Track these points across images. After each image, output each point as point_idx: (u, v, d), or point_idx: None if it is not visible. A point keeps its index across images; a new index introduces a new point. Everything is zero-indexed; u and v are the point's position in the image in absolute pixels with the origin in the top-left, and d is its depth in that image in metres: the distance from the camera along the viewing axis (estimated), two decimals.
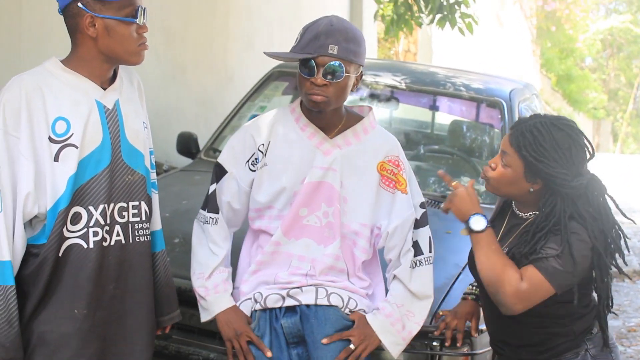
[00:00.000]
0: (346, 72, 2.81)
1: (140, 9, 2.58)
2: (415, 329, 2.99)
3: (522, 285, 2.71)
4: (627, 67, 33.34)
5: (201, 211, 3.08)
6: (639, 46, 31.78)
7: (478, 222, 2.84)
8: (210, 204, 3.04)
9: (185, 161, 5.53)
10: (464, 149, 5.11)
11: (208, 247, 3.02)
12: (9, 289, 2.46)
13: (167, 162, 6.77)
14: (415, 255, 2.99)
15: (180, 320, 3.03)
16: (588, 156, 2.84)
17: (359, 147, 2.97)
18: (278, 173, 2.96)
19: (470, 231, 2.86)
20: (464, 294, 3.22)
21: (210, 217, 3.04)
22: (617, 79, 34.23)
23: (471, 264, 2.96)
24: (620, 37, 31.64)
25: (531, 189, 2.83)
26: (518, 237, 2.87)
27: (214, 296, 2.98)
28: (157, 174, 3.95)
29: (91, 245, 2.57)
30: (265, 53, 2.95)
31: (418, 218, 3.02)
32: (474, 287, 3.20)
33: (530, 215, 2.89)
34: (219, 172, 3.04)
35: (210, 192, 3.05)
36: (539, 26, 26.51)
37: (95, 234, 2.58)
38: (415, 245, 3.00)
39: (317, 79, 2.79)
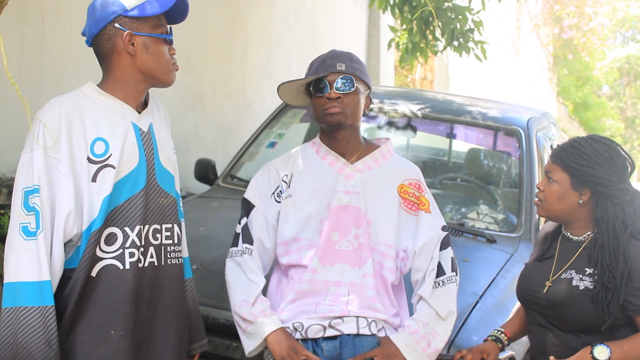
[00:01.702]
0: (358, 86, 2.97)
1: (170, 29, 2.68)
2: (440, 345, 3.01)
3: None
4: None
5: (233, 248, 3.09)
6: None
7: (602, 353, 2.87)
8: (244, 235, 3.07)
9: (203, 188, 5.56)
10: (482, 177, 5.12)
11: (246, 277, 3.02)
12: (48, 310, 2.44)
13: (184, 189, 6.80)
14: (437, 276, 3.02)
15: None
16: (629, 167, 2.96)
17: (379, 171, 3.06)
18: (303, 202, 3.02)
19: None
20: (487, 336, 3.22)
21: (246, 248, 3.06)
22: (634, 107, 34.07)
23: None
24: (638, 65, 31.55)
25: (580, 201, 2.94)
26: (582, 258, 2.95)
27: (262, 319, 2.96)
28: None
29: (127, 266, 2.59)
30: (279, 86, 3.05)
31: (441, 241, 3.06)
32: (498, 332, 3.21)
33: (586, 236, 2.98)
34: (247, 207, 3.10)
35: (242, 226, 3.09)
36: (556, 54, 26.49)
37: (132, 255, 2.60)
38: (438, 267, 3.03)
39: (331, 93, 2.95)
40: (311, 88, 3.01)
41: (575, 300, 2.90)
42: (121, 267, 2.58)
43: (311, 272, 2.98)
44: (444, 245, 3.06)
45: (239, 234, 3.08)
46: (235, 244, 3.09)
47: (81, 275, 2.53)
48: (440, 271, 3.03)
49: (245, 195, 3.12)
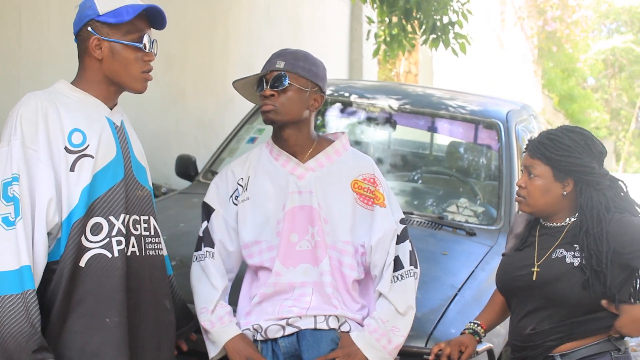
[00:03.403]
0: (293, 83, 2.96)
1: (147, 37, 2.70)
2: (401, 341, 3.02)
3: None
4: (629, 86, 33.33)
5: (196, 252, 3.12)
6: None
7: None
8: (205, 239, 3.10)
9: (185, 184, 5.55)
10: (462, 170, 5.12)
11: (208, 281, 3.05)
12: (28, 294, 2.45)
13: (166, 185, 6.78)
14: (395, 270, 3.02)
15: None
16: (604, 152, 3.01)
17: (331, 169, 3.07)
18: (259, 205, 3.06)
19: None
20: (464, 329, 3.23)
21: (207, 251, 3.09)
22: (619, 99, 34.21)
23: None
24: (622, 57, 31.68)
25: (564, 192, 2.97)
26: (567, 239, 2.98)
27: (220, 327, 3.00)
28: (156, 197, 3.97)
29: (116, 254, 2.62)
30: (233, 83, 3.09)
31: (399, 233, 3.06)
32: (474, 324, 3.21)
33: (567, 221, 3.01)
34: (207, 211, 3.13)
35: (203, 229, 3.12)
36: (540, 46, 26.56)
37: (119, 242, 2.63)
38: (396, 260, 3.03)
39: (265, 90, 2.96)
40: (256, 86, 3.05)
41: (570, 276, 2.92)
42: (110, 255, 2.61)
43: (275, 276, 3.01)
44: (401, 239, 3.06)
45: (201, 237, 3.12)
46: (198, 247, 3.12)
47: (67, 266, 2.55)
48: (398, 265, 3.03)
49: (205, 199, 3.15)
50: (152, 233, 2.79)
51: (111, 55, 2.65)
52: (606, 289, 2.87)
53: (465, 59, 7.51)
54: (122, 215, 2.64)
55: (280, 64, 2.98)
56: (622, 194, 3.00)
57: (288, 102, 2.97)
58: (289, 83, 2.96)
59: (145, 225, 2.75)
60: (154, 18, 2.73)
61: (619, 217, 2.92)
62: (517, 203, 3.12)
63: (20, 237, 2.46)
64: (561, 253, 2.97)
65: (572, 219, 3.01)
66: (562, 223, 3.03)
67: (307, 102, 3.02)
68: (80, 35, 2.67)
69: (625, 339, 3.01)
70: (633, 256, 2.90)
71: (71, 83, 2.69)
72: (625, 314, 2.90)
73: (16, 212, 2.47)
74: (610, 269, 2.86)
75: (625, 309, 2.90)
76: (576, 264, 2.92)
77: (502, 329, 3.39)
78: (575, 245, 2.96)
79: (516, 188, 3.08)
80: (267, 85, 2.96)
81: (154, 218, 2.80)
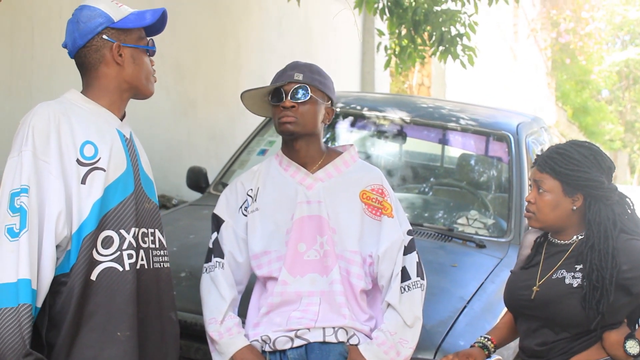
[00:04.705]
0: (313, 95, 3.01)
1: (152, 41, 2.76)
2: (409, 353, 3.02)
3: None
4: None
5: (206, 264, 3.13)
6: None
7: (633, 347, 2.92)
8: (215, 250, 3.12)
9: (196, 196, 5.56)
10: (472, 182, 5.12)
11: (217, 292, 3.06)
12: (22, 308, 2.42)
13: (177, 197, 6.80)
14: (402, 281, 3.02)
15: (186, 355, 3.11)
16: (612, 167, 3.00)
17: (340, 179, 3.09)
18: (268, 215, 3.07)
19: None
20: (474, 342, 3.23)
21: (217, 262, 3.10)
22: (633, 111, 34.08)
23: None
24: (637, 69, 31.59)
25: (574, 207, 2.96)
26: (570, 259, 2.97)
27: (228, 338, 3.01)
28: (167, 208, 3.99)
29: (127, 268, 2.62)
30: (242, 94, 3.11)
31: (406, 244, 3.07)
32: (484, 338, 3.21)
33: (573, 239, 3.00)
34: (217, 223, 3.15)
35: (212, 241, 3.14)
36: (554, 58, 26.52)
37: (130, 256, 2.63)
38: (403, 271, 3.04)
39: (285, 102, 2.98)
40: (269, 97, 3.05)
41: (568, 298, 2.91)
42: (121, 269, 2.61)
43: (282, 285, 3.02)
44: (408, 250, 3.07)
45: (211, 248, 3.13)
46: (208, 259, 3.13)
47: (78, 279, 2.54)
48: (405, 276, 3.03)
49: (215, 211, 3.16)
50: (158, 246, 2.79)
51: (132, 61, 2.69)
52: (600, 306, 2.85)
53: (478, 71, 7.51)
54: (133, 229, 2.65)
55: (299, 76, 3.01)
56: (630, 211, 2.99)
57: (308, 114, 3.01)
58: (310, 95, 3.00)
59: (152, 238, 2.76)
60: (152, 24, 2.76)
61: (628, 238, 2.91)
62: (526, 218, 3.10)
63: (22, 249, 2.44)
64: (562, 274, 2.96)
65: (580, 237, 2.99)
66: (569, 241, 3.02)
67: (322, 115, 3.07)
68: (91, 46, 2.66)
69: None
70: (633, 282, 2.88)
71: (81, 93, 2.70)
72: (605, 340, 2.92)
73: (22, 224, 2.45)
74: (609, 287, 2.84)
75: (604, 336, 2.92)
76: (575, 285, 2.91)
77: (512, 342, 3.38)
78: (576, 266, 2.95)
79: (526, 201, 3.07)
80: (286, 96, 2.99)
81: (159, 231, 2.81)
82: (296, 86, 3.00)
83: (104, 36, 2.65)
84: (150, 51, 2.76)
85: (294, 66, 3.08)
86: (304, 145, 3.06)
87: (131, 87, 2.71)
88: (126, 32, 2.68)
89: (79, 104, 2.66)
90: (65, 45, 2.72)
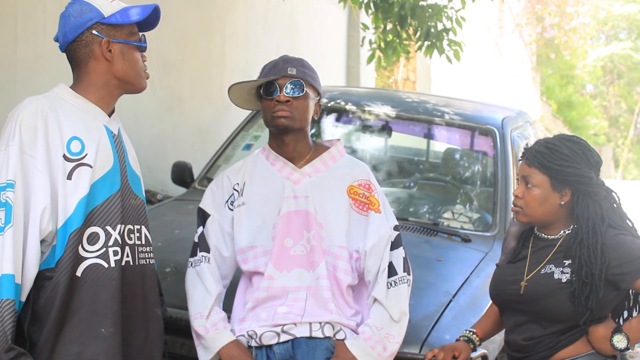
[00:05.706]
0: (307, 90, 3.00)
1: (143, 37, 2.75)
2: (396, 348, 3.03)
3: None
4: (628, 93, 33.38)
5: (191, 258, 3.12)
6: None
7: (620, 342, 2.93)
8: (201, 244, 3.10)
9: (181, 191, 5.55)
10: (457, 176, 5.13)
11: (203, 286, 3.05)
12: (5, 303, 2.42)
13: (162, 192, 6.78)
14: (389, 276, 3.03)
15: (171, 350, 3.10)
16: (600, 162, 3.00)
17: (327, 174, 3.08)
18: (255, 209, 3.06)
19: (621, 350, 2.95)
20: (459, 336, 3.23)
21: (203, 256, 3.08)
22: (617, 106, 34.25)
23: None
24: (621, 64, 31.73)
25: (562, 202, 2.95)
26: (559, 254, 2.97)
27: (214, 333, 3.00)
28: (152, 203, 3.97)
29: (112, 264, 2.62)
30: (230, 87, 3.07)
31: (392, 240, 3.07)
32: (469, 332, 3.21)
33: (561, 234, 3.00)
34: (203, 217, 3.13)
35: (198, 235, 3.12)
36: (539, 53, 26.61)
37: (116, 253, 2.63)
38: (390, 266, 3.04)
39: (280, 96, 2.97)
40: (262, 91, 3.03)
41: (557, 293, 2.91)
42: (106, 265, 2.61)
43: (268, 280, 3.01)
44: (395, 245, 3.07)
45: (197, 243, 3.12)
46: (193, 253, 3.12)
47: (64, 275, 2.54)
48: (392, 271, 3.04)
49: (201, 205, 3.15)
50: (144, 242, 2.78)
51: (121, 56, 2.67)
52: (589, 301, 2.86)
53: (463, 66, 7.52)
54: (119, 226, 2.65)
55: (293, 71, 3.01)
56: (616, 205, 2.99)
57: (303, 109, 3.01)
58: (305, 90, 3.00)
59: (138, 234, 2.76)
60: (144, 20, 2.74)
61: (616, 233, 2.92)
62: (513, 213, 3.10)
63: (7, 245, 2.44)
64: (550, 269, 2.96)
65: (567, 232, 3.00)
66: (557, 235, 3.01)
67: (313, 110, 3.07)
68: (81, 41, 2.65)
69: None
70: (622, 278, 2.89)
71: (70, 87, 2.69)
72: (591, 334, 2.93)
73: (7, 219, 2.45)
74: (598, 283, 2.85)
75: (590, 330, 2.93)
76: (564, 280, 2.92)
77: (498, 336, 3.39)
78: (565, 261, 2.95)
79: (512, 195, 3.06)
80: (280, 90, 2.98)
81: (145, 227, 2.81)
82: (291, 80, 2.99)
83: (94, 31, 2.65)
84: (142, 47, 2.74)
85: (287, 60, 3.06)
86: (294, 140, 3.05)
87: (121, 83, 2.70)
88: (117, 28, 2.67)
89: (67, 98, 2.65)
90: (56, 39, 2.71)
